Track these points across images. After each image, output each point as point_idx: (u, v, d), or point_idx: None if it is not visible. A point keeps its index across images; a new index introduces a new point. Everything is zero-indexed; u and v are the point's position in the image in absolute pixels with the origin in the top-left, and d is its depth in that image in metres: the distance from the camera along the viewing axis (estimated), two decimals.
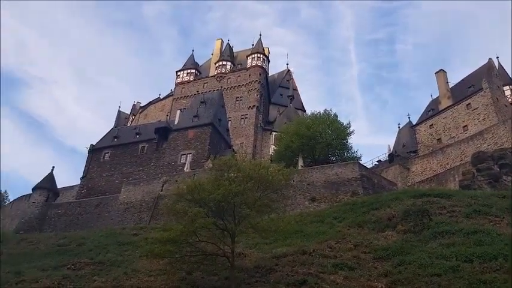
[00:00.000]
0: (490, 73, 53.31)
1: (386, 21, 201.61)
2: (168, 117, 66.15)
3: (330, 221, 31.27)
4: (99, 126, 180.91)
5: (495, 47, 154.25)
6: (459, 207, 28.86)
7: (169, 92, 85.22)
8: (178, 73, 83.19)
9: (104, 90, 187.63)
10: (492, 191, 35.09)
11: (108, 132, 60.98)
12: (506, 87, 58.29)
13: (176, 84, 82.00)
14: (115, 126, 73.66)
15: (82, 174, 55.53)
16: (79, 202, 49.40)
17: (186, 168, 48.33)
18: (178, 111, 60.62)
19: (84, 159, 57.72)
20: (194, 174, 40.99)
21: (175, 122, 56.39)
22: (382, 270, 21.85)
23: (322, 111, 53.90)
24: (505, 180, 38.73)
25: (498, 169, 39.40)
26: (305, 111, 75.51)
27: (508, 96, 57.02)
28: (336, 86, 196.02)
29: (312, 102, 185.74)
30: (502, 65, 62.51)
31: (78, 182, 56.69)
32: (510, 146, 40.71)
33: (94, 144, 57.54)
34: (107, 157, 55.58)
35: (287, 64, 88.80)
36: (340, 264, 23.10)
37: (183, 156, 51.60)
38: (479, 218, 26.91)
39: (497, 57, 62.73)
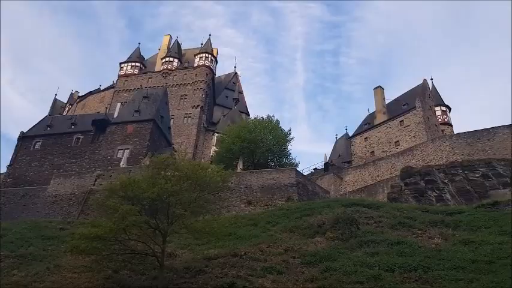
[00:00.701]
0: (423, 93, 56.55)
1: (334, 33, 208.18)
2: (107, 110, 64.15)
3: (264, 225, 31.65)
4: (33, 113, 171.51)
5: (431, 69, 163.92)
6: (386, 218, 30.21)
7: (111, 83, 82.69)
8: (122, 65, 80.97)
9: (41, 76, 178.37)
10: (417, 205, 36.98)
11: (41, 120, 58.10)
12: (438, 108, 62.28)
13: (119, 76, 79.73)
14: (49, 114, 70.36)
15: (9, 162, 52.48)
16: (3, 191, 46.51)
17: (122, 164, 47.01)
18: (119, 104, 58.87)
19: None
20: (130, 171, 39.97)
21: (115, 115, 54.70)
22: (309, 276, 22.27)
23: (265, 117, 54.74)
24: (430, 195, 41.11)
25: (424, 184, 41.71)
26: (249, 115, 76.20)
27: (438, 117, 60.85)
28: (281, 92, 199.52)
29: (257, 106, 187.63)
30: (435, 86, 66.72)
31: (4, 170, 53.57)
32: (436, 163, 43.35)
33: (25, 131, 54.60)
34: (37, 146, 52.94)
35: (235, 67, 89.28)
36: (269, 267, 23.32)
37: (120, 151, 50.10)
38: (403, 230, 28.20)
39: (432, 79, 67.08)
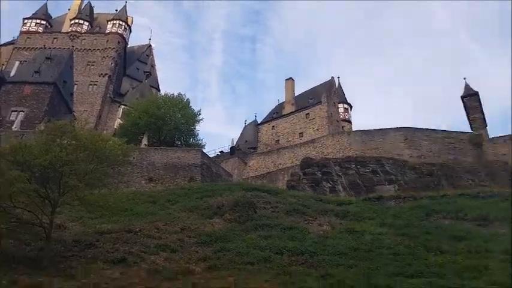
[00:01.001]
0: (330, 90, 59.53)
1: (255, 19, 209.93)
2: (3, 67, 58.75)
3: (163, 203, 31.51)
4: None
5: (339, 66, 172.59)
6: (282, 204, 31.66)
7: (12, 39, 75.57)
8: (26, 21, 74.31)
9: None
10: (312, 194, 39.28)
11: None
12: (341, 105, 65.91)
13: (21, 33, 73.11)
14: None
15: None
16: None
17: (15, 127, 43.65)
18: (17, 63, 54.44)
19: None
20: (23, 135, 37.17)
21: (12, 74, 50.41)
22: (202, 255, 22.61)
23: (176, 94, 53.99)
24: (324, 186, 43.77)
25: (320, 175, 44.25)
26: (159, 90, 74.43)
27: (341, 113, 64.55)
28: (196, 71, 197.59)
29: (169, 82, 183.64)
30: (341, 84, 70.53)
31: None
32: (333, 156, 46.15)
33: None
34: None
35: (150, 39, 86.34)
36: (163, 245, 23.29)
37: (13, 113, 46.45)
38: (297, 216, 29.76)
39: (338, 77, 70.67)
